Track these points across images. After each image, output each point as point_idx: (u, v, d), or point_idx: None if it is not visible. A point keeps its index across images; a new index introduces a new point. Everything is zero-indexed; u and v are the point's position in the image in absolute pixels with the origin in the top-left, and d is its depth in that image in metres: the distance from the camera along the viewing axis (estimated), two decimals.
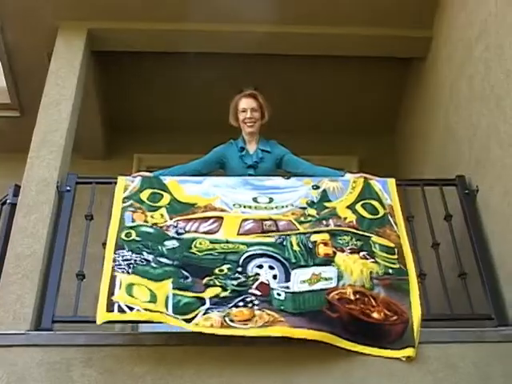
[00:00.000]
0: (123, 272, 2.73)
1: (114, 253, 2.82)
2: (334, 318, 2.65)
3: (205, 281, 2.74)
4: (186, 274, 2.76)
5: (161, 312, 2.59)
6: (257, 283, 2.74)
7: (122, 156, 4.99)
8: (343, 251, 2.88)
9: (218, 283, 2.73)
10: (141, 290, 2.64)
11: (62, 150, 3.53)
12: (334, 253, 2.87)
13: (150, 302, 2.61)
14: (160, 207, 3.07)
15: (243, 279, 2.76)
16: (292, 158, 3.45)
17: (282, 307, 2.67)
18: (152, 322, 2.73)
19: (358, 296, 2.73)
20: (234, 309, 2.65)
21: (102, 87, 4.66)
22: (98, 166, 4.75)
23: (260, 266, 2.83)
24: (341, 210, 3.08)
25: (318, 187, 3.22)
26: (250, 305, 2.66)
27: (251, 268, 2.80)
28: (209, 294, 2.70)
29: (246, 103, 3.47)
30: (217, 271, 2.78)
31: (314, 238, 2.93)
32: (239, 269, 2.79)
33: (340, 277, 2.78)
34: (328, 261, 2.84)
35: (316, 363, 2.70)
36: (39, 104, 3.70)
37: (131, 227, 2.93)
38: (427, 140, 4.39)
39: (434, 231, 3.26)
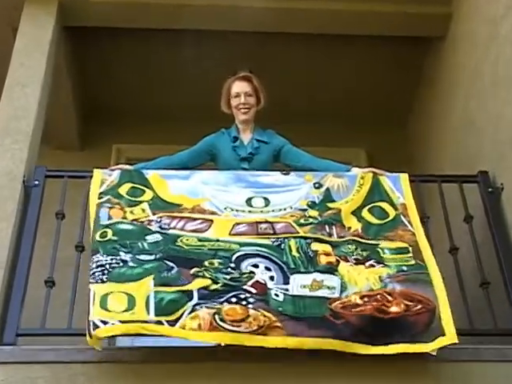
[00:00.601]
0: (97, 282, 2.67)
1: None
2: (339, 324, 2.61)
3: (193, 271, 2.69)
4: (170, 264, 2.72)
5: (140, 321, 2.54)
6: (252, 281, 2.70)
7: (99, 147, 4.95)
8: (347, 261, 2.84)
9: (207, 275, 2.69)
10: (117, 299, 2.59)
11: (30, 140, 3.47)
12: (338, 261, 2.84)
13: (127, 310, 2.56)
14: (141, 202, 3.04)
15: (237, 275, 2.71)
16: (292, 149, 3.40)
17: (280, 309, 2.62)
18: (130, 335, 2.68)
19: (366, 299, 2.69)
20: (225, 304, 2.61)
21: (76, 68, 4.60)
22: (71, 158, 4.71)
23: (255, 266, 2.79)
24: (345, 215, 3.04)
25: (320, 185, 3.17)
26: (243, 302, 2.62)
27: (245, 266, 2.76)
28: (197, 285, 2.64)
29: (239, 87, 3.40)
30: (207, 264, 2.74)
31: (315, 246, 2.88)
32: (232, 265, 2.75)
33: (343, 288, 2.74)
34: (331, 269, 2.80)
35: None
36: (3, 87, 3.63)
37: (107, 225, 2.89)
38: (444, 130, 4.35)
39: (453, 234, 3.22)
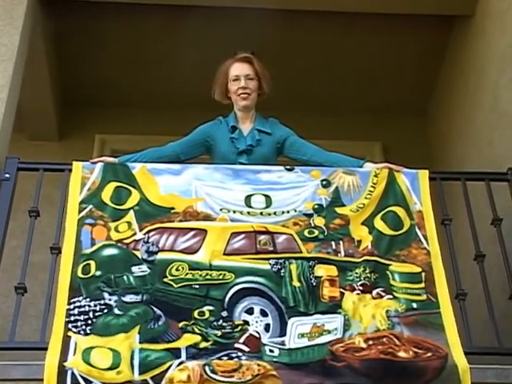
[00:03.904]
0: (80, 332, 2.71)
1: (69, 303, 2.80)
2: (340, 366, 2.65)
3: (181, 324, 2.77)
4: (157, 312, 2.79)
5: (126, 382, 2.61)
6: (245, 336, 2.75)
7: (80, 137, 4.96)
8: (353, 290, 2.88)
9: (197, 330, 2.76)
10: (101, 354, 2.65)
11: (0, 128, 3.46)
12: (342, 294, 2.88)
13: (111, 368, 2.62)
14: (127, 211, 3.05)
15: (228, 329, 2.77)
16: (297, 141, 3.38)
17: (275, 359, 2.69)
18: None
19: (371, 342, 2.72)
20: (216, 360, 2.69)
21: (54, 47, 4.60)
22: (48, 149, 4.73)
23: (250, 311, 2.83)
24: (355, 226, 3.06)
25: (328, 183, 3.17)
26: (235, 359, 2.68)
27: (238, 313, 2.82)
28: (185, 342, 2.72)
29: (238, 69, 3.38)
30: (196, 314, 2.81)
31: (318, 271, 2.91)
32: (224, 313, 2.81)
33: (347, 327, 2.77)
34: (334, 306, 2.84)
35: None
36: None
37: (90, 254, 2.92)
38: (470, 123, 4.36)
39: (479, 239, 3.21)
